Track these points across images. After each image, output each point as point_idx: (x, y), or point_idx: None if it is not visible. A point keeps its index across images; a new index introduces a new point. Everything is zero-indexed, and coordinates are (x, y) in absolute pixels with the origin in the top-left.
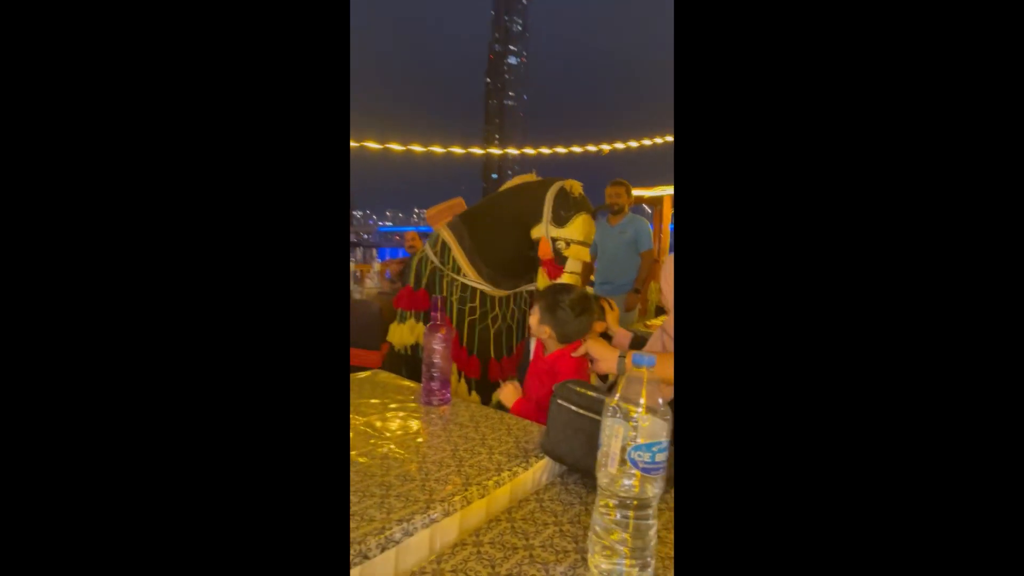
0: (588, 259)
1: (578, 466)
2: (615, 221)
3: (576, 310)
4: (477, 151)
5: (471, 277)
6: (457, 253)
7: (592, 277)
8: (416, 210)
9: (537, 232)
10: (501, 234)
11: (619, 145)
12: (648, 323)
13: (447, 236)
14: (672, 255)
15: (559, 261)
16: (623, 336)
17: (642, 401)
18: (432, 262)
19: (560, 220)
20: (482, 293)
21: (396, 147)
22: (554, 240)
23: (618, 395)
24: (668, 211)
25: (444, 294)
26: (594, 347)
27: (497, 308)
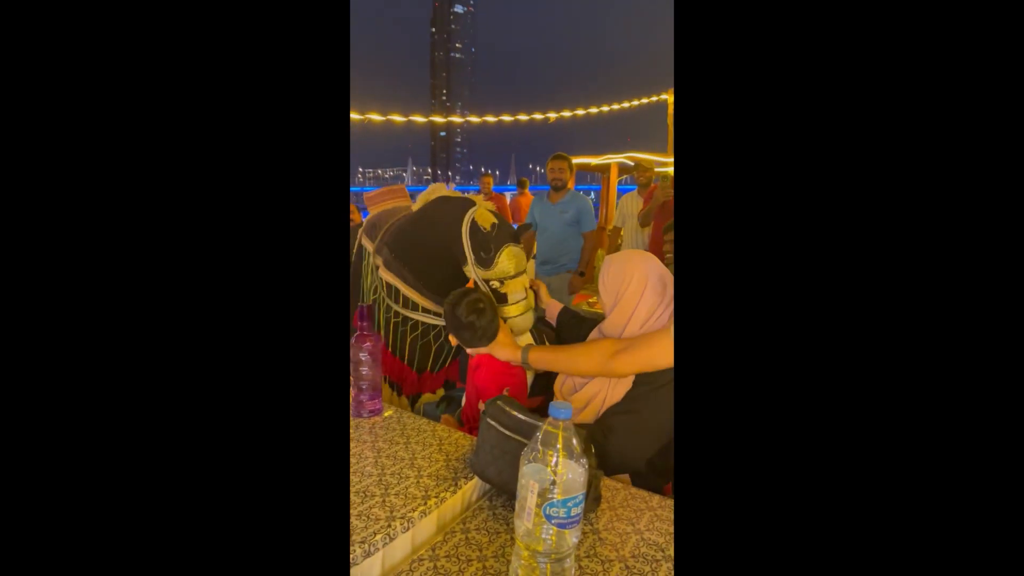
0: (526, 282)
1: (506, 488)
2: (556, 198)
3: (473, 314)
4: (419, 119)
5: (425, 305)
6: (407, 291)
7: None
8: (360, 170)
9: (468, 272)
10: (436, 265)
11: (566, 113)
12: (591, 301)
13: (390, 279)
14: (608, 257)
15: (500, 300)
16: (554, 307)
17: (559, 447)
18: (391, 307)
19: (484, 262)
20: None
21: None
22: (487, 281)
23: (539, 437)
24: (615, 178)
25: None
26: (496, 349)
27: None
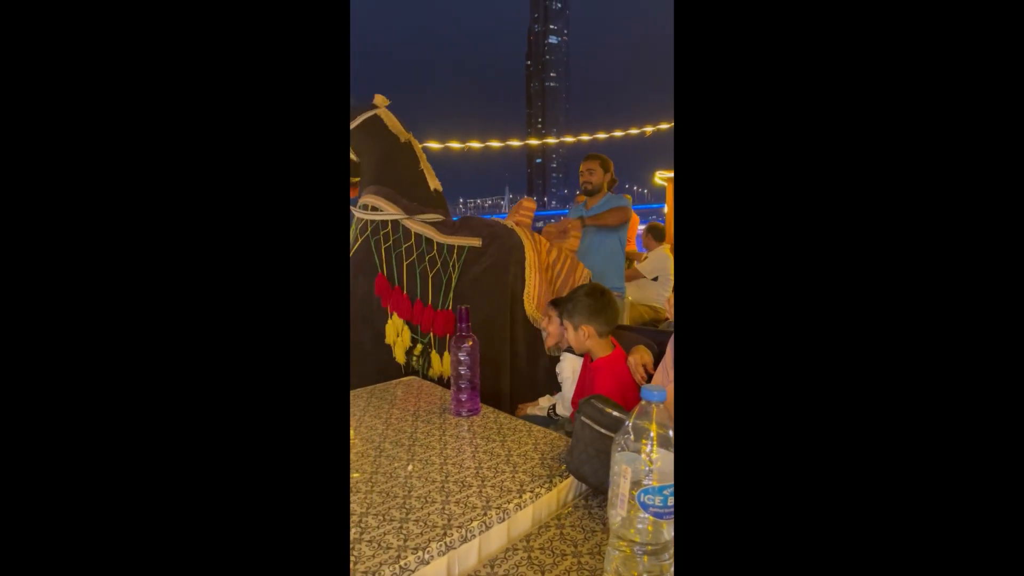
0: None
1: (601, 488)
2: (590, 204)
3: (595, 296)
4: (515, 143)
5: (399, 215)
6: (390, 207)
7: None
8: (461, 200)
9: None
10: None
11: (663, 126)
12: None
13: (377, 202)
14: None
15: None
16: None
17: (652, 435)
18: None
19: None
20: (417, 235)
21: (433, 144)
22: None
23: (630, 425)
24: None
25: (383, 257)
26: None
27: (435, 251)
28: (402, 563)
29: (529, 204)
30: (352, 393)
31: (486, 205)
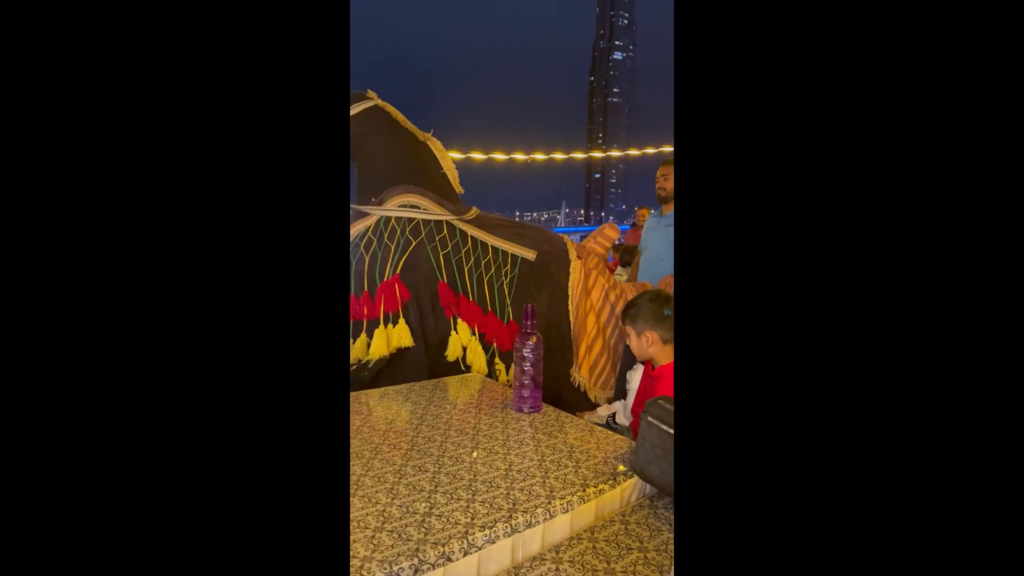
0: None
1: (667, 490)
2: (664, 211)
3: (658, 302)
4: (579, 155)
5: (438, 212)
6: (435, 207)
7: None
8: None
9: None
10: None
11: None
12: None
13: (412, 199)
14: None
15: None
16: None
17: None
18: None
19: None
20: (473, 239)
21: (499, 156)
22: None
23: None
24: None
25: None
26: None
27: (479, 250)
28: (470, 538)
29: (611, 232)
30: (418, 385)
31: (542, 219)
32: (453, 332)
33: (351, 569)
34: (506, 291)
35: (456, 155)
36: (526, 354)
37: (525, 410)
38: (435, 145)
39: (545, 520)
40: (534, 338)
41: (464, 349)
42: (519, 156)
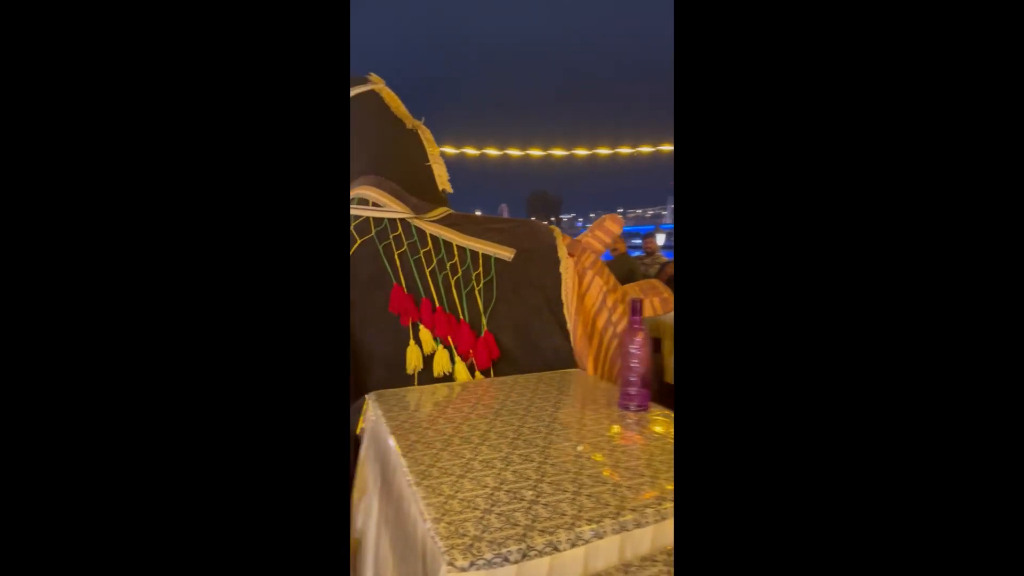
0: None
1: None
2: None
3: None
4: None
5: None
6: (394, 204)
7: None
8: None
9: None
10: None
11: None
12: None
13: (379, 197)
14: None
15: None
16: None
17: None
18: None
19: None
20: (433, 238)
21: (603, 151)
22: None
23: None
24: None
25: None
26: None
27: (442, 251)
28: (577, 531)
29: (613, 226)
30: (523, 378)
31: (647, 216)
32: (412, 342)
33: (462, 546)
34: (477, 297)
35: (559, 152)
36: (633, 351)
37: (632, 408)
38: (424, 135)
39: (656, 522)
40: (640, 334)
41: (425, 360)
42: (624, 150)
